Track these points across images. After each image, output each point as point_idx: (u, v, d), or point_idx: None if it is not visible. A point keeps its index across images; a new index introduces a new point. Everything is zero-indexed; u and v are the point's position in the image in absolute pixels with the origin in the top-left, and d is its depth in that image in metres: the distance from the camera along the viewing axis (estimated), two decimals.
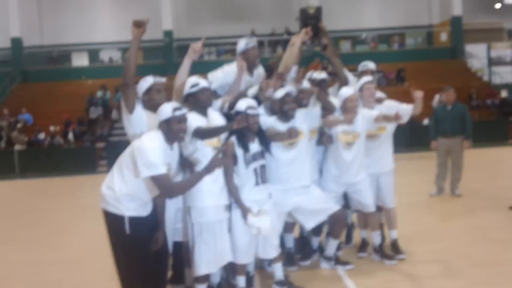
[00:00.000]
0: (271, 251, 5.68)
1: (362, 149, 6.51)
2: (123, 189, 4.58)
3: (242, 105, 5.44)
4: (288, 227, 6.48)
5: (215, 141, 5.20)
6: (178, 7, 30.27)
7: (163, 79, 5.38)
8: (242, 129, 5.28)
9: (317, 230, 6.64)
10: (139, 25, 4.98)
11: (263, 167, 5.58)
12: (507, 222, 8.52)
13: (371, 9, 32.16)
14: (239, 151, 5.46)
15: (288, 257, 6.52)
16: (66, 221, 10.89)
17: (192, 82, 5.27)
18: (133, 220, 4.59)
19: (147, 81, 5.26)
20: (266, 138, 5.70)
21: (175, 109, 4.62)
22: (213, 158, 4.69)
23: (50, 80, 28.47)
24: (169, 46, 27.97)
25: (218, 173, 5.15)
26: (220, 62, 28.88)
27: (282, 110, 5.88)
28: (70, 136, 23.91)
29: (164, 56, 28.15)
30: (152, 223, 4.76)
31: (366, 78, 6.80)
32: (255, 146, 5.55)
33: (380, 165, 6.80)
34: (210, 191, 5.11)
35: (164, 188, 4.48)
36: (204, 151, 5.10)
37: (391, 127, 6.83)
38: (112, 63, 30.74)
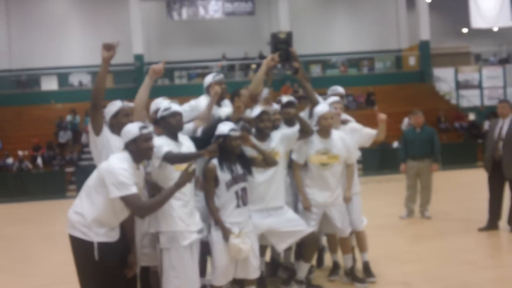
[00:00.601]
0: (252, 272, 5.63)
1: (339, 170, 6.52)
2: (93, 214, 4.52)
3: (224, 128, 5.46)
4: (260, 250, 6.38)
5: (185, 165, 5.16)
6: (149, 31, 30.30)
7: (131, 104, 5.40)
8: (225, 151, 5.37)
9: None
10: (109, 48, 4.97)
11: (244, 189, 5.57)
12: (476, 244, 8.59)
13: (341, 34, 32.57)
14: (220, 174, 5.46)
15: (259, 281, 6.38)
16: (34, 248, 10.69)
17: (164, 106, 5.26)
18: (102, 246, 4.52)
19: (115, 105, 5.25)
20: (247, 161, 5.69)
21: (141, 128, 4.63)
22: (182, 174, 4.65)
23: (19, 104, 28.15)
24: (139, 70, 27.88)
25: (188, 198, 5.13)
26: (191, 85, 29.00)
27: (258, 128, 5.93)
28: (39, 160, 23.63)
29: (135, 79, 27.97)
30: (120, 249, 4.69)
31: (333, 98, 6.88)
32: (236, 169, 5.54)
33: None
34: (178, 216, 5.06)
35: (135, 208, 4.44)
36: (173, 176, 5.05)
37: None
38: (82, 86, 30.54)
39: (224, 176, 5.46)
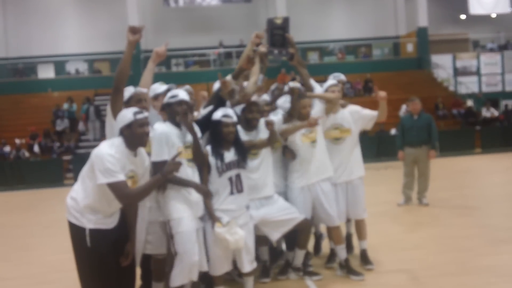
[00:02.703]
0: (246, 265, 5.62)
1: (324, 149, 6.49)
2: (85, 200, 4.50)
3: (218, 114, 5.47)
4: (262, 240, 6.41)
5: (186, 153, 5.14)
6: (146, 18, 30.14)
7: (144, 90, 5.38)
8: (217, 137, 5.42)
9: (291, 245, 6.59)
10: (135, 31, 4.95)
11: (238, 176, 5.54)
12: (474, 231, 8.57)
13: (339, 21, 32.46)
14: (212, 160, 5.45)
15: (263, 269, 6.47)
16: (31, 236, 10.67)
17: (172, 93, 5.22)
18: (95, 232, 4.49)
19: (128, 91, 5.23)
20: (243, 147, 5.66)
21: (136, 113, 4.56)
22: (169, 163, 4.63)
23: (16, 92, 28.10)
24: (136, 58, 27.72)
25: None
26: (188, 73, 28.88)
27: (246, 118, 5.95)
28: (36, 148, 23.58)
29: (131, 67, 27.68)
30: (115, 237, 4.64)
31: (331, 81, 6.84)
32: (230, 155, 5.52)
33: (347, 172, 6.73)
34: (185, 203, 5.07)
35: (120, 195, 4.38)
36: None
37: (355, 130, 6.81)
38: (78, 75, 30.47)
39: (215, 162, 5.45)
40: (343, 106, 6.87)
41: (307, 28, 30.21)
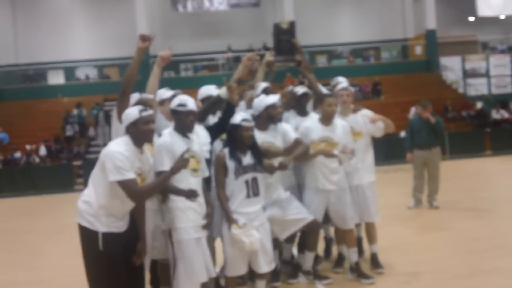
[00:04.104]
0: (263, 266, 5.59)
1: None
2: (98, 201, 4.53)
3: (236, 118, 5.49)
4: (274, 243, 6.31)
5: (193, 163, 5.11)
6: (154, 23, 30.19)
7: (150, 96, 5.44)
8: (235, 141, 5.45)
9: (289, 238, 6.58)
10: (145, 39, 5.15)
11: (255, 179, 5.54)
12: (485, 233, 8.53)
13: (346, 24, 32.42)
14: (230, 163, 5.48)
15: (273, 273, 6.41)
16: (42, 241, 10.72)
17: (181, 100, 5.13)
18: (107, 236, 4.52)
19: (133, 97, 5.31)
20: (259, 151, 5.66)
21: (141, 110, 4.62)
22: (178, 160, 4.68)
23: (26, 98, 28.24)
24: (145, 63, 27.71)
25: (199, 196, 5.08)
26: (197, 78, 28.95)
27: (270, 114, 5.99)
28: (42, 151, 23.74)
29: (140, 72, 27.70)
30: (126, 241, 4.67)
31: (342, 85, 6.81)
32: (247, 159, 5.53)
33: (359, 176, 6.72)
34: (188, 212, 5.02)
35: (130, 193, 4.44)
36: (183, 174, 4.97)
37: (366, 133, 6.81)
38: (88, 80, 30.58)
39: (232, 165, 5.48)
40: (355, 111, 6.86)
41: (315, 31, 30.19)
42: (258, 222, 5.53)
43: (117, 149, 4.45)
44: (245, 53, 29.29)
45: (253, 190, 5.52)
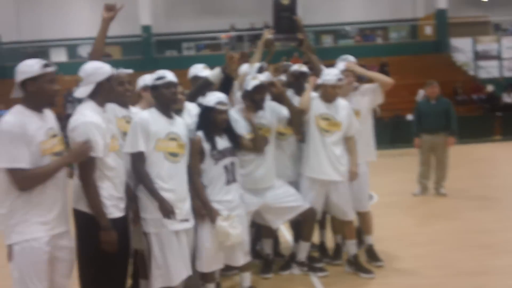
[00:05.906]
0: (240, 258, 5.27)
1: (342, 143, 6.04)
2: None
3: (211, 99, 5.09)
4: (267, 231, 6.19)
5: (173, 147, 4.66)
6: (157, 2, 29.93)
7: (128, 70, 5.18)
8: (209, 124, 5.06)
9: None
10: (110, 8, 4.99)
11: (233, 164, 5.20)
12: (495, 225, 8.09)
13: (353, 2, 31.92)
14: (207, 147, 5.07)
15: (265, 264, 6.24)
16: None
17: (159, 74, 4.75)
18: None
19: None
20: (235, 134, 5.32)
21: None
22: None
23: None
24: (147, 41, 27.56)
25: (174, 186, 4.63)
26: (199, 57, 28.46)
27: (253, 99, 5.55)
28: None
29: (142, 51, 27.72)
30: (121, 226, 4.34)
31: (344, 63, 6.45)
32: (223, 142, 5.17)
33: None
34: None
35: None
36: (156, 157, 4.58)
37: (368, 108, 6.45)
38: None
39: (209, 149, 5.07)
40: (355, 89, 6.47)
41: (321, 10, 29.71)
42: (238, 212, 5.17)
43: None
44: (247, 32, 29.10)
45: (233, 175, 5.17)
